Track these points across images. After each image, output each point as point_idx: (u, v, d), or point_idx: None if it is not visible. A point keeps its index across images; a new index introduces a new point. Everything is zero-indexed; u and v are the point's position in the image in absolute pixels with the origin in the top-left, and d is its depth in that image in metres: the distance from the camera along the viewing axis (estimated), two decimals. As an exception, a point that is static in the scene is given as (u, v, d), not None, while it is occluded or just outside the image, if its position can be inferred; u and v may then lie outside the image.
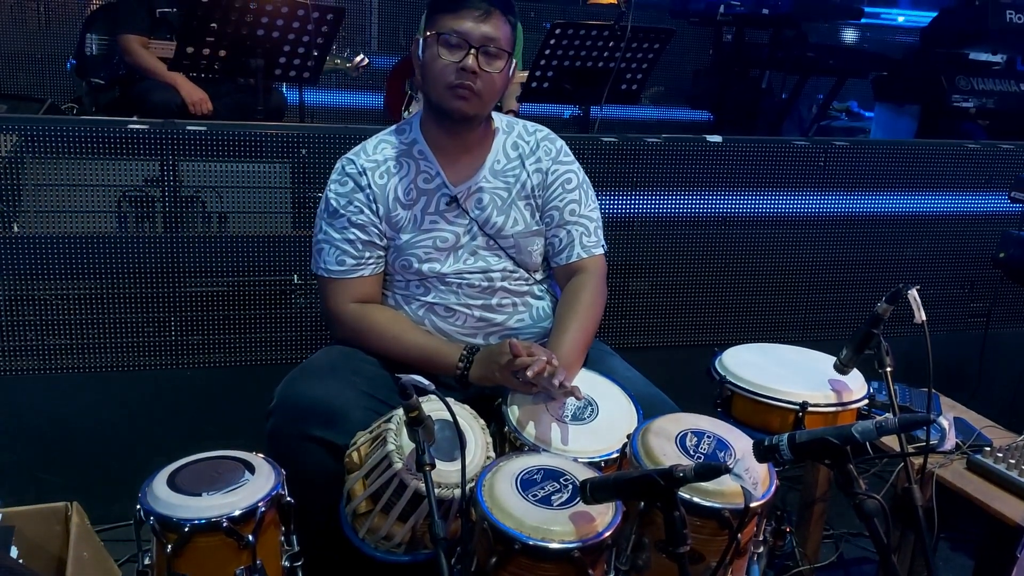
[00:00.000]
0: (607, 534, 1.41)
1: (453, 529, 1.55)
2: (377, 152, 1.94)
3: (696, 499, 1.48)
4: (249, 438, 1.86)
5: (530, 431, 1.69)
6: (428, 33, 1.83)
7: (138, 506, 1.50)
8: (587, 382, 1.85)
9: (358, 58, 3.96)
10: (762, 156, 2.90)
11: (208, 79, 3.52)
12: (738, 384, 1.91)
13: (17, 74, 4.77)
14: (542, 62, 3.47)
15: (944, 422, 2.10)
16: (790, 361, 2.04)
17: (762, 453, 1.39)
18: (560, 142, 2.03)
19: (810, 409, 1.83)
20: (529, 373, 1.65)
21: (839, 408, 1.87)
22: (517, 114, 3.67)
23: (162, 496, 1.49)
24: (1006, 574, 1.96)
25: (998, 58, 4.50)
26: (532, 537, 1.37)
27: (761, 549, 1.63)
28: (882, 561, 1.35)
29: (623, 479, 1.35)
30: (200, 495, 1.50)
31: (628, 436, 1.65)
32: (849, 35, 6.05)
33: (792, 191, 2.95)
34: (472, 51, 1.79)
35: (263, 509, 1.50)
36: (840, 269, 3.06)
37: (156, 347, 2.47)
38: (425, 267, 1.91)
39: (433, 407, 1.54)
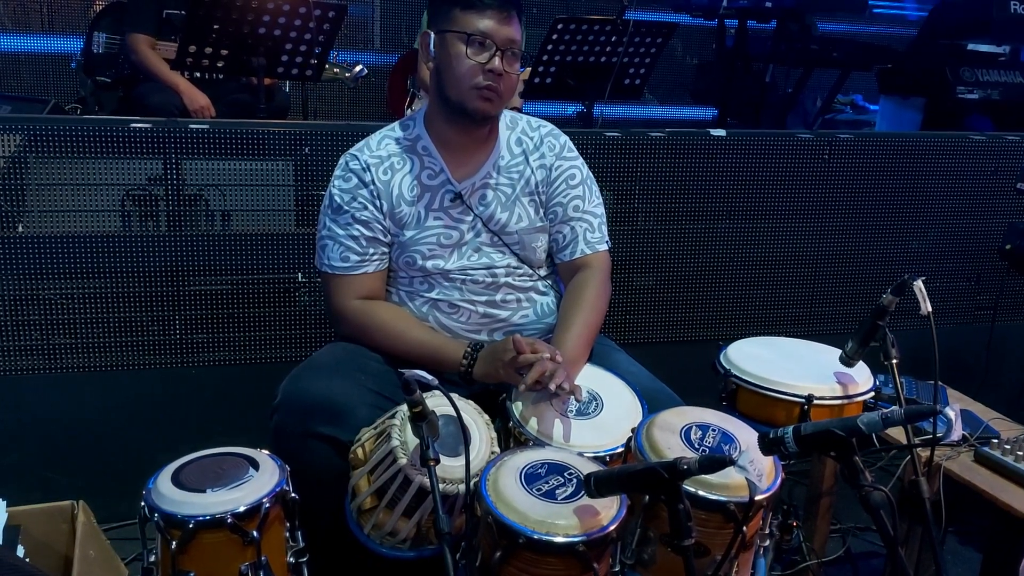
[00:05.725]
0: (612, 528, 1.40)
1: (458, 524, 1.55)
2: (381, 148, 1.93)
3: (701, 492, 1.47)
4: (254, 435, 1.86)
5: (534, 426, 1.69)
6: (448, 29, 1.80)
7: (142, 503, 1.50)
8: (591, 377, 1.85)
9: (357, 68, 3.93)
10: (766, 150, 2.89)
11: (211, 79, 3.52)
12: (743, 377, 1.90)
13: (21, 74, 4.78)
14: (544, 58, 3.46)
15: (950, 413, 2.09)
16: (795, 354, 2.03)
17: (767, 446, 1.39)
18: (564, 138, 2.03)
19: (816, 402, 1.83)
20: (528, 380, 1.65)
21: (845, 401, 1.86)
22: (520, 111, 3.66)
23: (166, 493, 1.49)
24: (1015, 567, 1.95)
25: (1002, 49, 4.47)
26: (537, 531, 1.37)
27: (768, 543, 1.62)
28: (889, 554, 1.35)
29: (627, 472, 1.35)
30: (204, 491, 1.49)
31: (632, 430, 1.65)
32: (854, 27, 6.02)
33: (797, 185, 2.94)
34: (498, 53, 1.78)
35: (268, 505, 1.50)
36: (845, 262, 3.05)
37: (161, 345, 2.48)
38: (429, 264, 1.91)
39: (437, 402, 1.54)
